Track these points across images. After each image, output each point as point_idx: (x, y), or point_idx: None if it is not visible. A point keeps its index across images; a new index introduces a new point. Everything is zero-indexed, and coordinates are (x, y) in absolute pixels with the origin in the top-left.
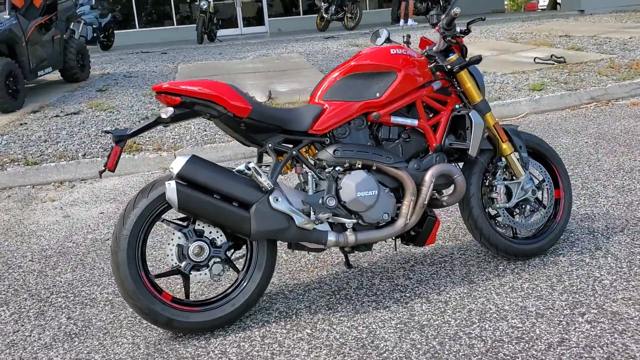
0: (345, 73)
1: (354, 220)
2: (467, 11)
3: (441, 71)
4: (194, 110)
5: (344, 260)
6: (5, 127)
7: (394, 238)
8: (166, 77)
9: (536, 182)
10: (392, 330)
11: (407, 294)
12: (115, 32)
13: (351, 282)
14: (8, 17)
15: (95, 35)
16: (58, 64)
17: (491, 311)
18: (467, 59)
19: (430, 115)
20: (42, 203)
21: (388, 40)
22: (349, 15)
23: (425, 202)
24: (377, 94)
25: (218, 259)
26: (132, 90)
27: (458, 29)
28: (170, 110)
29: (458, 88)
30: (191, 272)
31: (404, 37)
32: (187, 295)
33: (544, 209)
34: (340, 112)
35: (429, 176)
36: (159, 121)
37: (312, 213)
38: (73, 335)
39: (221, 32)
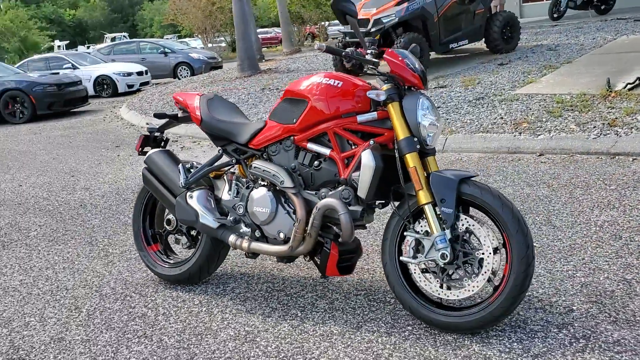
0: (283, 97)
1: (250, 230)
2: None
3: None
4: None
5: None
6: None
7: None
8: (586, 51)
9: (470, 246)
10: (218, 341)
11: (290, 317)
12: None
13: (289, 289)
14: None
15: None
16: (477, 37)
17: None
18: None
19: (352, 147)
20: None
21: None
22: None
23: (310, 232)
24: (294, 120)
25: (182, 233)
26: (519, 67)
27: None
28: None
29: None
30: (175, 236)
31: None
32: (168, 251)
33: (473, 281)
34: (271, 132)
35: (314, 208)
36: (170, 122)
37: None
38: (52, 268)
39: None
